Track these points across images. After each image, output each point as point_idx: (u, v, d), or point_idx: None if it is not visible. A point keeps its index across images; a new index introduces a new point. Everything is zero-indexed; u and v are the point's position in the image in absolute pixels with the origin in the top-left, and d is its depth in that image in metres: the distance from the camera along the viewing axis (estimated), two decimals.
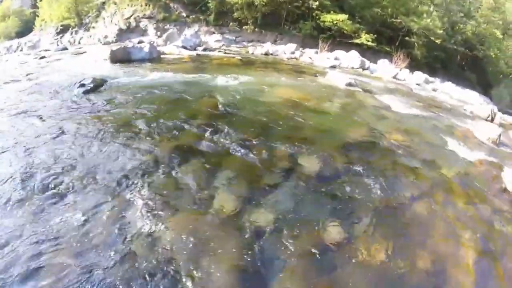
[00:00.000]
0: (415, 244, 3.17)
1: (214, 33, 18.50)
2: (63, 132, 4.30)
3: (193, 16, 19.49)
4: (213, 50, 13.48)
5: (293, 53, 13.91)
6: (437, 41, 18.85)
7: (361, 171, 4.07)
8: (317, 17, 18.08)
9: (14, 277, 2.30)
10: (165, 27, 19.11)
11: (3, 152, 3.77)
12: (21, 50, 21.21)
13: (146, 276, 2.41)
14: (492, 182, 4.58)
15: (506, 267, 3.23)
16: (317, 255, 2.81)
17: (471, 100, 10.78)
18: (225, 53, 12.91)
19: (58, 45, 17.75)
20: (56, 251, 2.53)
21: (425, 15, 19.35)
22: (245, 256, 2.67)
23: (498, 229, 3.68)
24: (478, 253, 3.23)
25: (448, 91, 11.50)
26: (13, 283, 2.27)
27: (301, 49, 15.07)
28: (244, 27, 18.79)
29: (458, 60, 22.13)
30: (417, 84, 11.66)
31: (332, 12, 17.85)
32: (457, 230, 3.45)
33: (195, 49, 12.57)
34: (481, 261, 3.16)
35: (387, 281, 2.74)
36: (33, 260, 2.44)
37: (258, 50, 14.33)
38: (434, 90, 11.40)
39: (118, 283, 2.33)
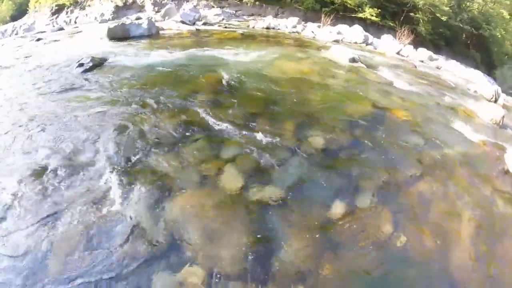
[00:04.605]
0: (417, 220, 3.18)
1: (213, 7, 17.96)
2: (62, 112, 4.24)
3: None
4: (213, 24, 13.01)
5: (295, 27, 13.46)
6: (442, 18, 18.32)
7: (366, 147, 4.05)
8: None
9: None
10: (163, 2, 18.61)
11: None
12: (16, 34, 20.56)
13: (152, 253, 2.44)
14: (494, 163, 4.55)
15: (504, 246, 3.25)
16: (323, 230, 2.83)
17: (475, 79, 10.58)
18: (225, 27, 12.48)
19: (53, 26, 17.30)
20: (60, 226, 2.57)
21: None
22: (252, 232, 2.70)
23: (498, 210, 3.68)
24: (478, 232, 3.26)
25: (452, 69, 11.27)
26: None
27: (303, 23, 14.61)
28: (244, 1, 18.23)
29: (463, 38, 21.67)
30: (420, 61, 11.36)
31: None
32: (458, 209, 3.46)
33: (194, 24, 12.14)
34: (480, 239, 3.19)
35: (390, 255, 2.77)
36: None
37: (259, 24, 13.84)
38: (438, 67, 11.15)
39: (124, 259, 2.37)
